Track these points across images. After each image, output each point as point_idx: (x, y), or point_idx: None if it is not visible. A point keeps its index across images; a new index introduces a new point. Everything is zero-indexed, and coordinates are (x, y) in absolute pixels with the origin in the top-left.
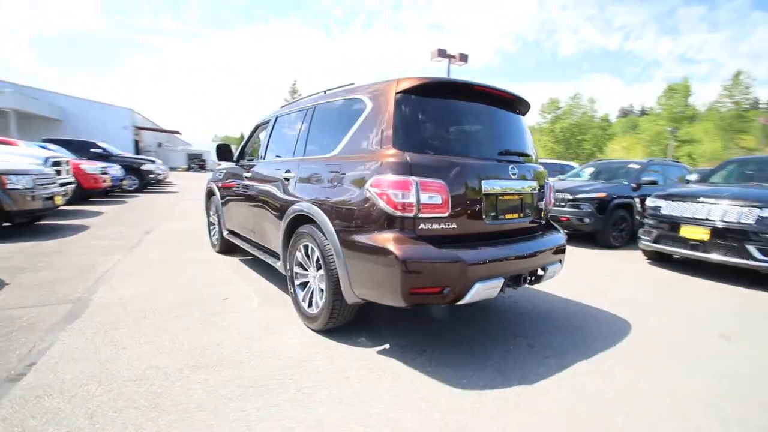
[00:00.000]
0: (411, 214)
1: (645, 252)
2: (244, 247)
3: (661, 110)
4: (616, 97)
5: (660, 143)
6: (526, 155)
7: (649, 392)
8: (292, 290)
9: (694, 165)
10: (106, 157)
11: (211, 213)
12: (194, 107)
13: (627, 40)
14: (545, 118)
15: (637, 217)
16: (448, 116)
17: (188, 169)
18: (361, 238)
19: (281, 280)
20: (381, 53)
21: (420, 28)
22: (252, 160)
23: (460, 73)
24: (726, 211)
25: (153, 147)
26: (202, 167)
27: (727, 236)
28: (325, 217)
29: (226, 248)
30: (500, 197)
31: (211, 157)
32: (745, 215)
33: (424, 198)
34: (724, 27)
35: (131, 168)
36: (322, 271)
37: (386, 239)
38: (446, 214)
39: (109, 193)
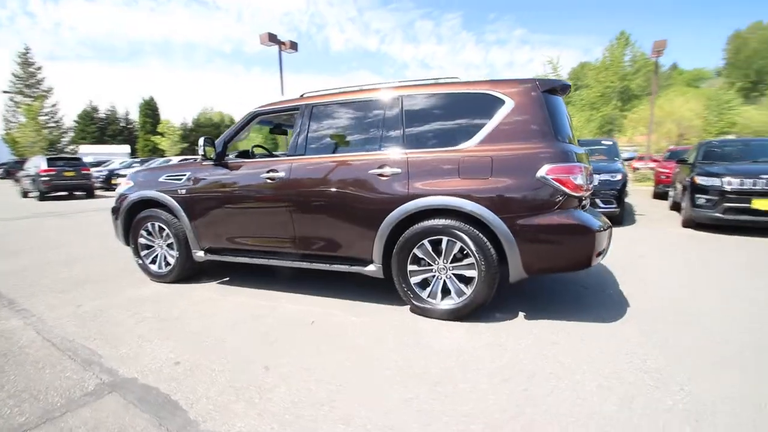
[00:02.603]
0: (580, 194)
1: (688, 221)
2: (250, 261)
3: None
4: None
5: None
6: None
7: None
8: (404, 289)
9: None
10: None
11: (145, 234)
12: None
13: (383, 43)
14: None
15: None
16: (560, 110)
17: None
18: (542, 220)
19: (336, 286)
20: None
21: (178, 2)
22: (263, 156)
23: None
24: None
25: None
26: None
27: None
28: (480, 206)
29: (185, 274)
30: None
31: None
32: None
33: (582, 180)
34: (446, 41)
35: None
36: (469, 260)
37: (572, 216)
38: (587, 193)
39: None
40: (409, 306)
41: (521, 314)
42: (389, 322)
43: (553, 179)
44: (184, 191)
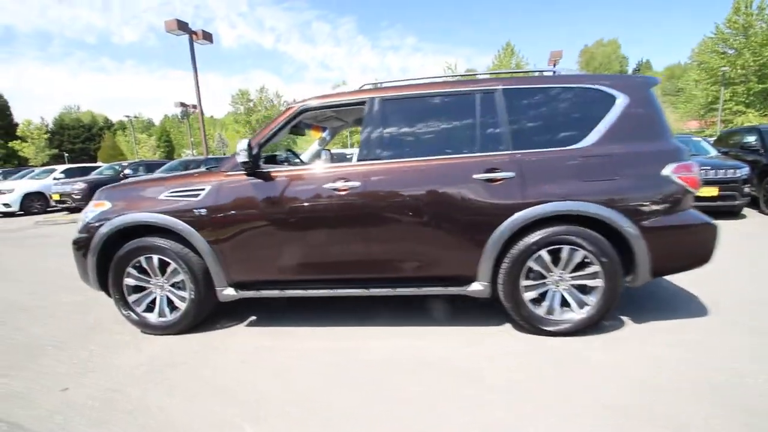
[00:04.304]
0: (696, 190)
1: None
2: (304, 294)
3: None
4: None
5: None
6: None
7: None
8: (517, 307)
9: None
10: None
11: (134, 273)
12: None
13: (279, 41)
14: (238, 110)
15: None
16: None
17: None
18: (670, 220)
19: (393, 309)
20: None
21: None
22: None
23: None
24: None
25: None
26: None
27: None
28: (608, 209)
29: (199, 320)
30: None
31: None
32: None
33: (700, 177)
34: (344, 43)
35: None
36: (592, 268)
37: (696, 214)
38: None
39: None
40: (514, 325)
41: (626, 320)
42: (513, 348)
43: (678, 177)
44: (204, 211)
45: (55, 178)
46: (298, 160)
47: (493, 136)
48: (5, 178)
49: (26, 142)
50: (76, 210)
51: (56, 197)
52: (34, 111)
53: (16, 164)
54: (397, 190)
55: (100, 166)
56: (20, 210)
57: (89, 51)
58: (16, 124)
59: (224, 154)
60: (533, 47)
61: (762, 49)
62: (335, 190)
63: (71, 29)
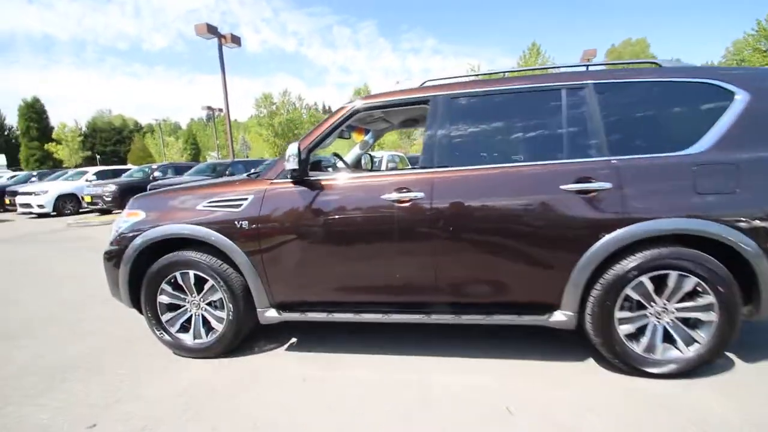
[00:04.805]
0: None
1: None
2: (355, 319)
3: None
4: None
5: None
6: None
7: None
8: (609, 342)
9: None
10: None
11: (169, 290)
12: None
13: (301, 46)
14: (261, 113)
15: None
16: None
17: None
18: None
19: (450, 338)
20: None
21: None
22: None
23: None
24: None
25: None
26: None
27: None
28: (732, 229)
29: (238, 343)
30: None
31: None
32: None
33: None
34: (364, 47)
35: None
36: (706, 299)
37: None
38: None
39: None
40: (601, 362)
41: (733, 357)
42: (608, 394)
43: None
44: (246, 223)
45: (87, 180)
46: (344, 166)
47: (584, 140)
48: (41, 179)
49: (61, 144)
50: (107, 212)
51: (88, 199)
52: (68, 114)
53: (51, 165)
54: (468, 202)
55: (130, 169)
56: (53, 211)
57: (122, 57)
58: (52, 128)
59: (247, 157)
60: (558, 49)
61: None
62: (395, 201)
63: (104, 36)
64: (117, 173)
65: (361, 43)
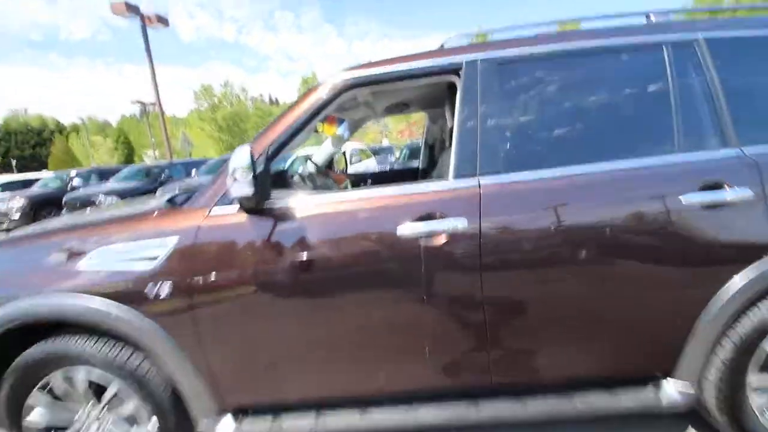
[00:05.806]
0: None
1: None
2: (355, 425)
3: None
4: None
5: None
6: None
7: None
8: (740, 421)
9: None
10: None
11: (44, 402)
12: None
13: (240, 33)
14: (202, 106)
15: None
16: None
17: None
18: None
19: None
20: None
21: None
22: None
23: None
24: None
25: None
26: None
27: None
28: None
29: None
30: None
31: None
32: None
33: None
34: (307, 32)
35: None
36: None
37: None
38: None
39: None
40: None
41: None
42: None
43: None
44: (167, 288)
45: None
46: (316, 172)
47: (703, 125)
48: None
49: None
50: None
51: None
52: None
53: None
54: (537, 227)
55: (43, 178)
56: None
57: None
58: None
59: (190, 155)
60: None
61: None
62: (421, 237)
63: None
64: (27, 184)
65: (303, 27)
